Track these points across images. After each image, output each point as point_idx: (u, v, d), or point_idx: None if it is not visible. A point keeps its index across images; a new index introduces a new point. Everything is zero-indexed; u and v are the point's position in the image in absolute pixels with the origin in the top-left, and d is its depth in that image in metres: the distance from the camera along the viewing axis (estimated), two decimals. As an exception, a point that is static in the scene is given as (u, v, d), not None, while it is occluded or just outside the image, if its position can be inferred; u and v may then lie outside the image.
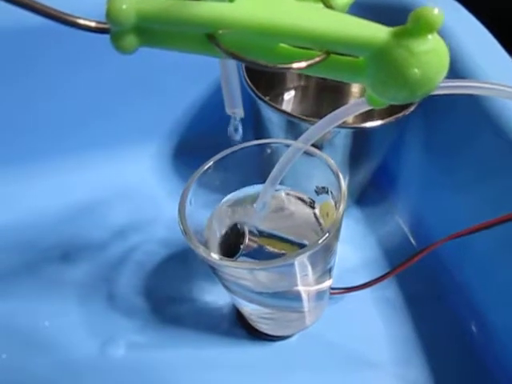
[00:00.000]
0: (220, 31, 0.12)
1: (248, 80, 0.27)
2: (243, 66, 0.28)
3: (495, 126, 0.23)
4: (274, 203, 0.23)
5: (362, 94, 0.34)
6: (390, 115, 0.25)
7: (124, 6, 0.11)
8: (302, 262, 0.18)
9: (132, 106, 0.35)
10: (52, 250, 0.31)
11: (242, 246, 0.20)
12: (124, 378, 0.25)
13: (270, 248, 0.21)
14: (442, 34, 0.12)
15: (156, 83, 0.34)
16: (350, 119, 0.18)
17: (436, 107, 0.28)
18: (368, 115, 0.25)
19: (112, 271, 0.30)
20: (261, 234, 0.21)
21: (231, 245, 0.21)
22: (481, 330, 0.26)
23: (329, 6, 0.13)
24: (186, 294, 0.29)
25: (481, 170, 0.26)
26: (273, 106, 0.26)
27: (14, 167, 0.35)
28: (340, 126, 0.24)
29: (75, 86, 0.33)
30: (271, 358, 0.26)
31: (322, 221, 0.23)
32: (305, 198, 0.23)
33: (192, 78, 0.35)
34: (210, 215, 0.23)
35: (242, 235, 0.20)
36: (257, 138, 0.22)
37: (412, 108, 0.26)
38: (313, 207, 0.23)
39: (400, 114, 0.25)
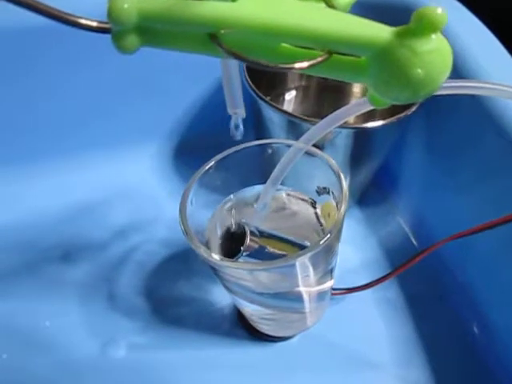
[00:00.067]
0: (222, 31, 0.12)
1: (249, 80, 0.27)
2: (244, 66, 0.28)
3: (497, 126, 0.23)
4: (275, 203, 0.23)
5: (364, 94, 0.34)
6: (392, 115, 0.25)
7: (125, 6, 0.11)
8: (303, 263, 0.18)
9: (132, 106, 0.35)
10: (52, 250, 0.31)
11: (243, 247, 0.20)
12: (125, 379, 0.25)
13: (271, 248, 0.21)
14: (444, 34, 0.12)
15: (156, 83, 0.34)
16: (351, 119, 0.18)
17: (438, 107, 0.28)
18: (369, 115, 0.24)
19: (112, 271, 0.30)
20: (262, 234, 0.21)
21: (232, 245, 0.21)
22: (483, 330, 0.26)
23: (331, 5, 0.13)
24: (186, 294, 0.29)
25: (483, 171, 0.26)
26: (274, 106, 0.26)
27: (14, 167, 0.35)
28: (341, 126, 0.24)
29: (75, 86, 0.33)
30: (272, 358, 0.26)
31: (323, 221, 0.23)
32: (306, 198, 0.23)
33: (192, 77, 0.35)
34: (211, 215, 0.23)
35: (243, 236, 0.20)
36: (258, 138, 0.22)
37: (414, 108, 0.26)
38: (314, 207, 0.23)
39: (402, 114, 0.25)
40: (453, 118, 0.27)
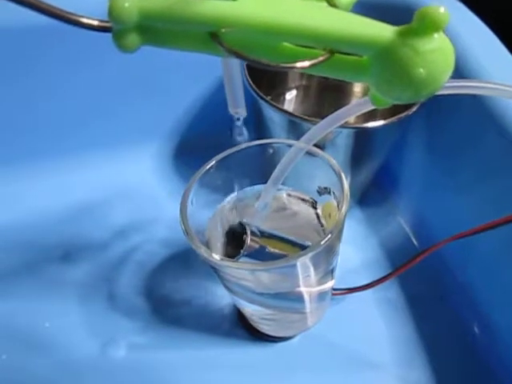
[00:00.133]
0: (223, 30, 0.12)
1: (249, 79, 0.27)
2: (245, 65, 0.27)
3: (498, 126, 0.23)
4: (276, 203, 0.23)
5: (364, 93, 0.34)
6: (393, 115, 0.25)
7: (126, 4, 0.11)
8: (304, 263, 0.18)
9: (132, 106, 0.35)
10: (52, 250, 0.31)
11: (243, 247, 0.20)
12: (125, 379, 0.25)
13: (271, 249, 0.21)
14: (445, 34, 0.11)
15: (157, 83, 0.34)
16: (351, 119, 0.18)
17: (439, 107, 0.28)
18: (370, 115, 0.24)
19: (113, 271, 0.30)
20: (262, 234, 0.21)
21: (233, 245, 0.21)
22: (484, 330, 0.26)
23: (332, 4, 0.13)
24: (187, 294, 0.29)
25: (483, 171, 0.26)
26: (274, 106, 0.25)
27: (14, 167, 0.35)
28: (342, 126, 0.24)
29: (75, 86, 0.33)
30: (272, 358, 0.26)
31: (323, 221, 0.22)
32: (307, 198, 0.23)
33: (193, 77, 0.35)
34: (212, 215, 0.23)
35: (244, 236, 0.20)
36: (258, 138, 0.22)
37: (415, 108, 0.26)
38: (315, 208, 0.23)
39: (402, 114, 0.25)
40: (454, 118, 0.27)
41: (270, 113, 0.27)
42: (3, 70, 0.31)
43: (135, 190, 0.35)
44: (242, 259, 0.20)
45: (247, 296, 0.22)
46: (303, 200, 0.23)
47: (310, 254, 0.17)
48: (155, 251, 0.31)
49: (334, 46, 0.12)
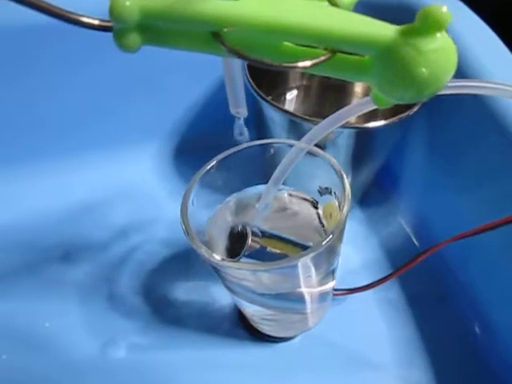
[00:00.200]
0: (225, 29, 0.12)
1: (250, 79, 0.27)
2: (245, 65, 0.27)
3: (500, 126, 0.23)
4: (277, 204, 0.23)
5: (365, 93, 0.34)
6: (394, 115, 0.25)
7: (127, 3, 0.11)
8: (305, 264, 0.18)
9: (133, 106, 0.35)
10: (52, 250, 0.31)
11: (244, 247, 0.20)
12: (125, 379, 0.25)
13: (272, 249, 0.21)
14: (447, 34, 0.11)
15: (157, 83, 0.34)
16: (352, 119, 0.18)
17: (440, 107, 0.28)
18: (371, 115, 0.24)
19: (113, 271, 0.30)
20: (263, 234, 0.21)
21: (234, 245, 0.21)
22: (484, 330, 0.26)
23: (334, 4, 0.13)
24: (187, 294, 0.29)
25: (484, 171, 0.26)
26: (275, 106, 0.25)
27: (14, 167, 0.35)
28: (343, 126, 0.24)
29: (75, 86, 0.33)
30: (273, 359, 0.26)
31: (324, 222, 0.22)
32: (308, 198, 0.23)
33: (193, 77, 0.35)
34: (213, 215, 0.22)
35: (245, 236, 0.20)
36: (259, 138, 0.22)
37: (416, 108, 0.25)
38: (316, 208, 0.23)
39: (404, 114, 0.25)
40: (455, 118, 0.27)
41: (270, 113, 0.26)
42: (3, 70, 0.31)
43: (135, 190, 0.35)
44: (243, 259, 0.20)
45: (248, 296, 0.22)
46: (304, 200, 0.23)
47: (311, 255, 0.17)
48: (155, 251, 0.31)
49: (335, 46, 0.12)
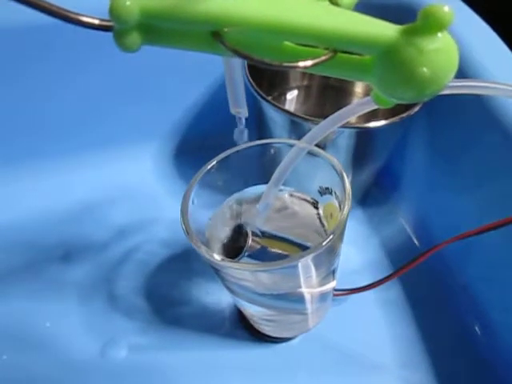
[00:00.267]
0: (225, 29, 0.12)
1: (251, 79, 0.27)
2: (246, 65, 0.27)
3: (500, 126, 0.23)
4: (278, 204, 0.23)
5: (366, 93, 0.34)
6: (394, 115, 0.25)
7: (128, 3, 0.11)
8: (305, 264, 0.18)
9: (133, 106, 0.35)
10: (53, 250, 0.31)
11: (244, 247, 0.20)
12: (125, 379, 0.25)
13: (273, 249, 0.21)
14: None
15: (157, 83, 0.34)
16: (353, 119, 0.18)
17: (441, 107, 0.28)
18: (372, 115, 0.24)
19: (113, 271, 0.30)
20: (264, 234, 0.21)
21: (234, 245, 0.21)
22: (485, 331, 0.26)
23: (335, 3, 0.13)
24: (187, 294, 0.28)
25: (485, 171, 0.26)
26: (276, 106, 0.25)
27: (15, 167, 0.35)
28: (343, 126, 0.24)
29: (75, 86, 0.33)
30: (273, 359, 0.26)
31: (325, 222, 0.22)
32: (308, 198, 0.23)
33: (193, 77, 0.35)
34: (213, 215, 0.22)
35: (245, 236, 0.20)
36: (260, 138, 0.22)
37: (416, 108, 0.25)
38: (316, 208, 0.23)
39: (404, 114, 0.25)
40: (455, 118, 0.27)
41: (271, 113, 0.26)
42: (3, 70, 0.31)
43: (135, 190, 0.35)
44: (244, 260, 0.20)
45: (248, 297, 0.22)
46: (304, 200, 0.23)
47: (311, 255, 0.17)
48: (156, 251, 0.31)
49: (336, 45, 0.12)
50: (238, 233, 0.21)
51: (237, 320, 0.27)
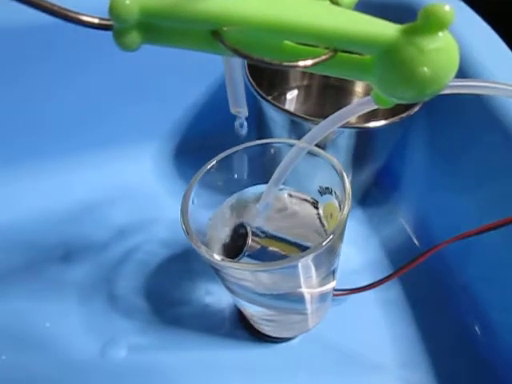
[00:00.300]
0: (225, 28, 0.12)
1: (251, 79, 0.27)
2: (246, 64, 0.27)
3: (500, 126, 0.23)
4: (278, 204, 0.23)
5: (366, 93, 0.34)
6: (394, 115, 0.25)
7: (127, 2, 0.11)
8: (305, 264, 0.18)
9: (133, 106, 0.35)
10: (53, 250, 0.31)
11: (244, 247, 0.20)
12: (125, 379, 0.25)
13: (273, 249, 0.21)
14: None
15: (157, 83, 0.34)
16: (353, 119, 0.18)
17: (441, 107, 0.28)
18: (371, 115, 0.24)
19: (113, 271, 0.30)
20: (264, 234, 0.21)
21: (234, 245, 0.21)
22: (485, 331, 0.26)
23: (335, 2, 0.13)
24: (187, 294, 0.28)
25: (485, 171, 0.26)
26: (276, 106, 0.25)
27: (14, 167, 0.35)
28: (343, 126, 0.24)
29: (75, 86, 0.33)
30: (273, 359, 0.26)
31: (325, 222, 0.22)
32: (308, 198, 0.23)
33: (193, 77, 0.35)
34: (213, 215, 0.22)
35: (245, 236, 0.20)
36: (260, 138, 0.22)
37: (416, 108, 0.25)
38: (316, 208, 0.23)
39: (404, 114, 0.25)
40: (455, 118, 0.27)
41: (271, 112, 0.26)
42: (3, 70, 0.31)
43: (135, 189, 0.35)
44: (244, 260, 0.20)
45: (248, 297, 0.22)
46: (304, 200, 0.23)
47: (311, 255, 0.17)
48: (156, 251, 0.31)
49: (337, 45, 0.12)
50: (238, 233, 0.21)
51: (237, 320, 0.27)
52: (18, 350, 0.26)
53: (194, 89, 0.36)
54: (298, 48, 0.13)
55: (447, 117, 0.28)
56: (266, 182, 0.20)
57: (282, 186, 0.20)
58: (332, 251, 0.20)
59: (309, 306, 0.23)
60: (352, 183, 0.30)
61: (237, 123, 0.19)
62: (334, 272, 0.22)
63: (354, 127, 0.25)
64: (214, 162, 0.21)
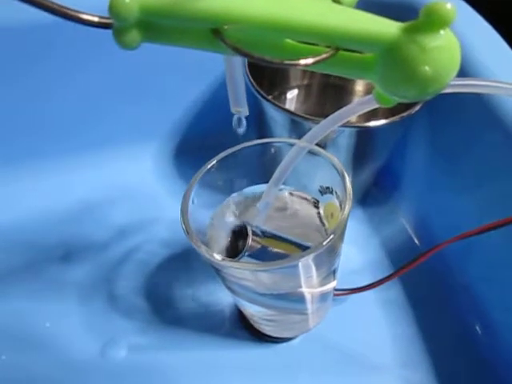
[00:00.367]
0: (225, 26, 0.11)
1: (251, 78, 0.27)
2: (246, 64, 0.27)
3: (501, 125, 0.23)
4: (278, 203, 0.23)
5: (367, 92, 0.34)
6: (395, 114, 0.25)
7: (127, 0, 0.11)
8: (306, 264, 0.18)
9: (133, 106, 0.35)
10: (53, 250, 0.31)
11: (245, 247, 0.20)
12: (125, 379, 0.25)
13: (273, 249, 0.21)
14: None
15: (157, 82, 0.34)
16: (353, 118, 0.18)
17: (441, 106, 0.28)
18: (372, 114, 0.24)
19: (113, 271, 0.30)
20: (264, 234, 0.21)
21: (234, 245, 0.21)
22: (486, 331, 0.26)
23: (336, 1, 0.13)
24: (187, 294, 0.28)
25: (486, 170, 0.26)
26: (276, 105, 0.25)
27: (15, 167, 0.35)
28: (344, 125, 0.24)
29: (75, 86, 0.33)
30: (274, 359, 0.26)
31: (325, 221, 0.22)
32: (309, 197, 0.23)
33: (193, 77, 0.35)
34: (213, 215, 0.22)
35: (245, 235, 0.20)
36: (260, 137, 0.22)
37: (417, 107, 0.25)
38: (317, 207, 0.23)
39: (405, 114, 0.25)
40: (456, 118, 0.27)
41: (271, 112, 0.26)
42: (3, 70, 0.31)
43: (136, 189, 0.35)
44: (244, 259, 0.20)
45: (249, 296, 0.22)
46: (305, 199, 0.23)
47: (312, 255, 0.17)
48: (156, 251, 0.31)
49: (338, 43, 0.12)
50: (239, 232, 0.21)
51: (237, 320, 0.27)
52: (18, 350, 0.26)
53: (194, 88, 0.36)
54: (299, 46, 0.13)
55: (448, 116, 0.28)
56: (267, 182, 0.20)
57: (282, 186, 0.20)
58: (332, 251, 0.20)
59: (309, 306, 0.23)
60: (352, 183, 0.30)
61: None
62: (334, 272, 0.22)
63: (355, 126, 0.25)
64: (215, 162, 0.21)
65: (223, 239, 0.22)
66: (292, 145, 0.19)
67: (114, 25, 0.11)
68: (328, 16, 0.11)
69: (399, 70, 0.11)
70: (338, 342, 0.26)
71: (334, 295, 0.26)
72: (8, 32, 0.29)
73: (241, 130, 0.19)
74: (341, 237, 0.19)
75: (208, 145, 0.28)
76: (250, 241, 0.20)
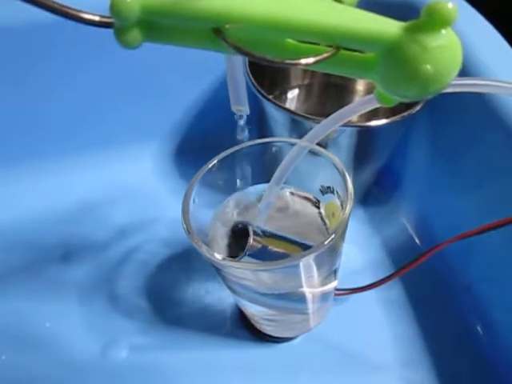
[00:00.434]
0: (227, 25, 0.11)
1: (252, 78, 0.27)
2: (247, 63, 0.27)
3: (502, 125, 0.23)
4: (279, 203, 0.23)
5: (367, 92, 0.34)
6: (396, 114, 0.25)
7: (128, -1, 0.11)
8: (307, 263, 0.18)
9: (133, 106, 0.35)
10: (53, 250, 0.31)
11: (246, 247, 0.20)
12: (126, 379, 0.25)
13: (274, 248, 0.21)
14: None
15: (157, 82, 0.34)
16: (354, 118, 0.18)
17: (442, 106, 0.28)
18: (373, 114, 0.24)
19: (113, 271, 0.30)
20: (265, 234, 0.21)
21: (235, 245, 0.21)
22: (486, 330, 0.26)
23: (338, 0, 0.13)
24: (188, 294, 0.28)
25: (487, 170, 0.26)
26: (277, 105, 0.25)
27: (14, 167, 0.35)
28: (345, 125, 0.24)
29: (75, 86, 0.33)
30: (274, 359, 0.26)
31: (327, 221, 0.22)
32: (310, 197, 0.23)
33: (194, 76, 0.35)
34: (214, 215, 0.22)
35: (246, 235, 0.20)
36: (261, 137, 0.22)
37: (418, 107, 0.25)
38: (318, 207, 0.23)
39: (406, 113, 0.25)
40: (457, 117, 0.27)
41: (272, 111, 0.26)
42: (3, 70, 0.31)
43: (136, 189, 0.35)
44: (245, 259, 0.20)
45: (249, 296, 0.22)
46: (306, 199, 0.23)
47: (313, 254, 0.17)
48: (156, 251, 0.31)
49: (340, 42, 0.12)
50: (239, 232, 0.21)
51: (238, 320, 0.27)
52: (18, 350, 0.26)
53: (194, 87, 0.36)
54: (300, 46, 0.13)
55: (449, 116, 0.28)
56: (268, 182, 0.20)
57: (283, 185, 0.20)
58: (334, 251, 0.20)
59: (310, 306, 0.23)
60: (353, 182, 0.30)
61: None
62: (335, 271, 0.22)
63: (356, 126, 0.25)
64: (215, 161, 0.21)
65: (224, 239, 0.22)
66: (293, 144, 0.19)
67: (115, 24, 0.11)
68: (329, 15, 0.11)
69: (400, 69, 0.11)
70: (339, 342, 0.26)
71: (335, 295, 0.26)
72: (8, 32, 0.29)
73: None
74: (342, 236, 0.19)
75: (209, 144, 0.27)
76: (250, 240, 0.20)
